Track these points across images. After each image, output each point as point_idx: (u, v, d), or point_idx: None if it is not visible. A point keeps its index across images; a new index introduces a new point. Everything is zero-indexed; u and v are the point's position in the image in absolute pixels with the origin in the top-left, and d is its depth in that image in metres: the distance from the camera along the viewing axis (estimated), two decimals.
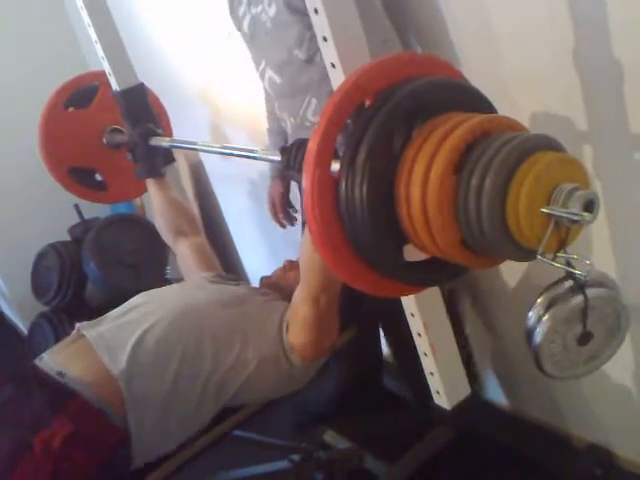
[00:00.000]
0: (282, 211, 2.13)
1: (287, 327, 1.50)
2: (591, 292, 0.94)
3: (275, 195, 2.12)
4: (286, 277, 1.77)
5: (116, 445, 1.37)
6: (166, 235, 1.94)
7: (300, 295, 1.44)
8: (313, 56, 1.65)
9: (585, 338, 0.99)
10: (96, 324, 1.51)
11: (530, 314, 0.96)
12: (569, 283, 0.93)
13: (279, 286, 1.74)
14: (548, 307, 0.94)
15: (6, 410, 1.35)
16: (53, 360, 1.44)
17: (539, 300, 0.96)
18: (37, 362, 1.45)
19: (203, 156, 3.17)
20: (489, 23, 1.50)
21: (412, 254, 1.05)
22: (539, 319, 0.95)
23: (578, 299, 0.94)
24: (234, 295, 1.61)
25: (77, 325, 1.52)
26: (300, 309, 1.45)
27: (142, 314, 1.50)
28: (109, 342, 1.43)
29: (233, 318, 1.52)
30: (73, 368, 1.40)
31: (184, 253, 1.87)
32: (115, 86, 1.98)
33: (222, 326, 1.49)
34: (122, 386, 1.37)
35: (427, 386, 1.61)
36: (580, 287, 0.92)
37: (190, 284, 1.73)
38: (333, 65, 1.14)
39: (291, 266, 1.80)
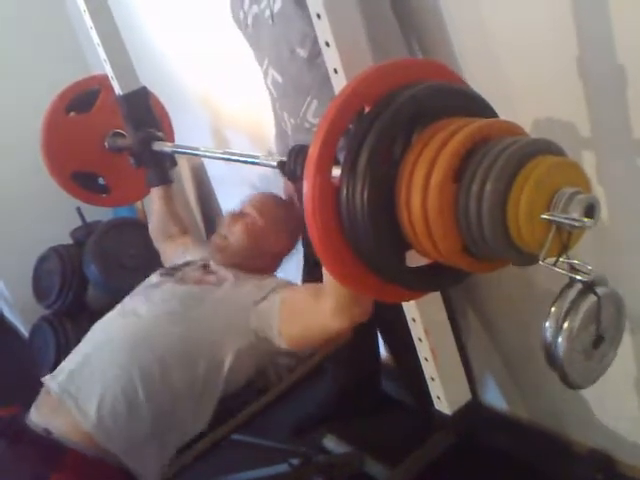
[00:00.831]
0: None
1: (280, 316, 1.43)
2: (599, 291, 0.93)
3: (291, 192, 2.12)
4: (233, 234, 1.68)
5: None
6: (155, 237, 1.97)
7: (330, 307, 1.30)
8: (315, 56, 1.64)
9: (598, 340, 0.98)
10: (56, 375, 1.46)
11: (547, 325, 0.95)
12: (578, 287, 0.92)
13: (230, 250, 1.66)
14: (565, 315, 0.93)
15: (4, 467, 1.34)
16: (39, 416, 1.41)
17: (553, 310, 0.94)
18: (28, 416, 1.42)
19: (205, 160, 3.17)
20: (491, 30, 1.50)
21: (414, 259, 1.05)
22: (558, 330, 0.94)
23: (590, 300, 0.92)
24: (183, 300, 1.54)
25: (42, 380, 1.47)
26: (330, 322, 1.32)
27: (99, 361, 1.44)
28: (74, 396, 1.39)
29: (188, 328, 1.47)
30: (56, 423, 1.37)
31: (167, 251, 1.91)
32: (117, 90, 1.98)
33: (178, 341, 1.44)
34: (100, 440, 1.34)
35: (428, 391, 1.61)
36: (589, 287, 0.91)
37: (136, 300, 1.62)
38: (335, 71, 1.14)
39: (233, 218, 1.72)
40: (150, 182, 1.95)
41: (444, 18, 1.59)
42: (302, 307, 1.43)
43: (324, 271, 1.28)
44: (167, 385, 1.40)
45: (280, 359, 1.56)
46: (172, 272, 1.68)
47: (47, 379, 1.46)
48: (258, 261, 1.68)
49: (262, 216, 1.69)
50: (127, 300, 1.66)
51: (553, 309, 0.94)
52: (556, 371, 0.96)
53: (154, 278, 1.68)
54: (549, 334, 0.95)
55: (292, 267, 1.83)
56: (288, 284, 1.56)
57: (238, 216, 1.71)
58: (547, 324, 0.95)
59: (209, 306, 1.52)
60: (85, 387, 1.39)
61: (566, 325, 0.93)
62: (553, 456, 1.94)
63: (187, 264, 1.72)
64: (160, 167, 1.94)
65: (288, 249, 1.77)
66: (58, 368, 1.48)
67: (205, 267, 1.68)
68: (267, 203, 1.74)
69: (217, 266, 1.67)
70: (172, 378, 1.40)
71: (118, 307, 1.63)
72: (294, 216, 1.73)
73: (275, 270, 1.75)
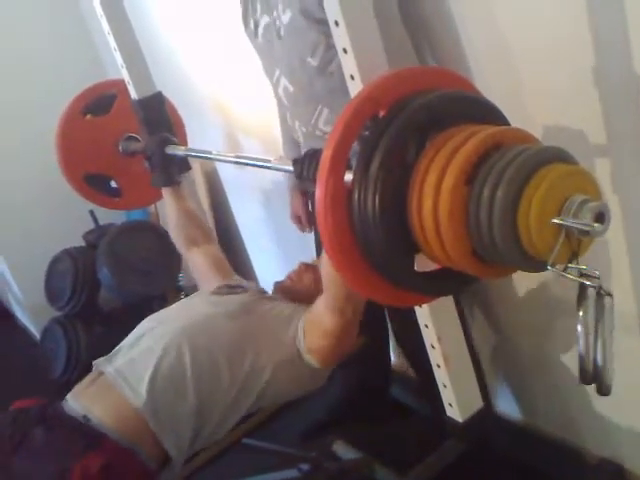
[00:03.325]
0: (309, 224, 2.14)
1: (304, 331, 1.50)
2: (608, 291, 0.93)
3: (299, 209, 2.13)
4: (301, 280, 1.75)
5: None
6: (180, 244, 1.95)
7: (324, 305, 1.42)
8: (326, 65, 1.66)
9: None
10: (111, 358, 1.52)
11: (579, 338, 0.94)
12: (592, 292, 0.92)
13: (294, 290, 1.73)
14: (596, 325, 0.92)
15: (42, 451, 1.36)
16: (77, 403, 1.45)
17: (580, 323, 0.93)
18: (63, 404, 1.46)
19: (217, 164, 3.18)
20: (504, 38, 1.50)
21: (423, 264, 1.05)
22: (594, 340, 0.93)
23: (607, 304, 0.92)
24: (240, 304, 1.61)
25: (94, 363, 1.53)
26: (325, 318, 1.43)
27: (152, 342, 1.51)
28: (127, 376, 1.44)
29: (240, 329, 1.53)
30: (97, 410, 1.41)
31: (197, 262, 1.89)
32: (134, 94, 1.99)
33: (231, 338, 1.50)
34: (147, 418, 1.39)
35: (440, 398, 1.61)
36: (601, 291, 0.91)
37: (194, 301, 1.73)
38: (352, 77, 1.14)
39: (307, 268, 1.78)
40: (155, 183, 1.96)
41: (457, 26, 1.60)
42: (314, 314, 1.50)
43: (322, 267, 1.36)
44: (213, 375, 1.45)
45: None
46: (230, 290, 1.73)
47: (101, 362, 1.51)
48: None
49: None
50: (185, 300, 1.77)
51: (580, 320, 0.93)
52: (591, 383, 0.95)
53: (211, 290, 1.74)
54: (583, 347, 0.94)
55: (296, 260, 1.84)
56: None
57: (310, 267, 1.77)
58: (578, 337, 0.94)
59: (263, 315, 1.58)
60: (140, 367, 1.45)
61: (600, 334, 0.93)
62: (565, 465, 1.94)
63: (243, 286, 1.78)
64: (167, 170, 1.95)
65: None
66: (112, 353, 1.54)
67: (262, 293, 1.76)
68: None
69: (274, 295, 1.75)
70: (217, 371, 1.45)
71: (174, 305, 1.73)
72: None
73: None
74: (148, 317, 1.65)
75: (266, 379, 1.48)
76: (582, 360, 0.94)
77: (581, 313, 0.93)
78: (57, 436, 1.39)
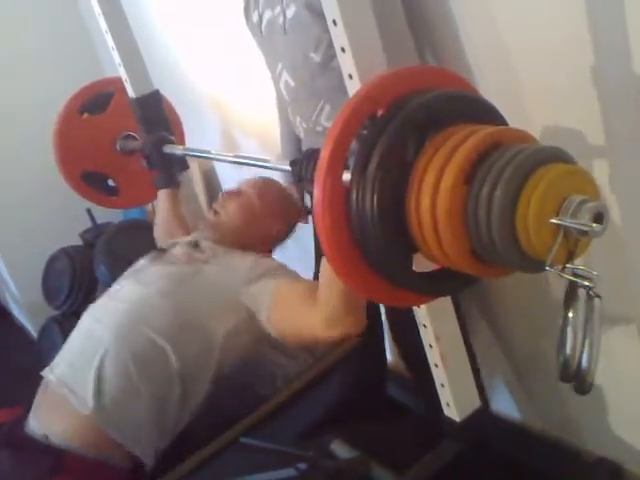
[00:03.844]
0: (304, 215, 2.15)
1: (271, 305, 1.42)
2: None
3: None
4: (227, 212, 1.69)
5: None
6: (159, 237, 1.98)
7: (323, 315, 1.31)
8: (329, 61, 1.65)
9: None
10: (54, 366, 1.48)
11: (566, 338, 0.94)
12: (582, 293, 0.91)
13: (222, 228, 1.66)
14: (585, 327, 0.92)
15: (7, 475, 1.35)
16: (36, 421, 1.42)
17: (570, 320, 0.93)
18: (27, 423, 1.43)
19: (215, 163, 3.18)
20: (503, 38, 1.50)
21: (421, 264, 1.05)
22: (581, 342, 0.93)
23: (597, 305, 0.92)
24: (171, 278, 1.53)
25: (42, 373, 1.49)
26: (319, 327, 1.32)
27: (90, 343, 1.46)
28: (70, 385, 1.40)
29: (177, 305, 1.46)
30: (54, 426, 1.38)
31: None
32: (131, 93, 1.99)
33: (169, 318, 1.44)
34: (101, 425, 1.35)
35: (437, 397, 1.61)
36: (591, 293, 0.91)
37: (125, 283, 1.63)
38: (350, 76, 1.14)
39: (229, 195, 1.72)
40: (157, 184, 1.96)
41: (457, 26, 1.59)
42: (296, 306, 1.40)
43: (320, 277, 1.29)
44: (160, 363, 1.40)
45: (280, 359, 1.54)
46: (160, 254, 1.67)
47: (46, 372, 1.48)
48: (250, 242, 1.66)
49: (259, 197, 1.69)
50: (115, 285, 1.66)
51: (570, 320, 0.93)
52: (571, 381, 0.95)
53: (142, 262, 1.67)
54: (569, 347, 0.94)
55: (294, 261, 1.83)
56: (285, 271, 1.55)
57: (234, 194, 1.71)
58: (566, 337, 0.94)
59: (198, 283, 1.51)
60: (81, 373, 1.40)
61: (588, 336, 0.92)
62: (562, 464, 1.93)
63: (175, 244, 1.71)
64: (168, 170, 1.95)
65: (282, 236, 1.77)
66: (55, 360, 1.50)
67: (195, 245, 1.67)
68: (265, 186, 1.74)
69: (208, 243, 1.66)
70: (164, 355, 1.40)
71: (106, 293, 1.64)
72: (291, 204, 1.73)
73: (268, 254, 1.73)
74: (84, 315, 1.59)
75: (220, 343, 1.42)
76: (565, 359, 0.94)
77: (571, 313, 0.93)
78: (22, 460, 1.37)
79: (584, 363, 0.93)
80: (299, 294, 1.41)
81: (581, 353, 0.93)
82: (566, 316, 0.93)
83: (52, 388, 1.44)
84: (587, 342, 0.92)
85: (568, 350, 0.94)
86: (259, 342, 1.49)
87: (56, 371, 1.45)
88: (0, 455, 1.38)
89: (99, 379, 1.37)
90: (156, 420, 1.40)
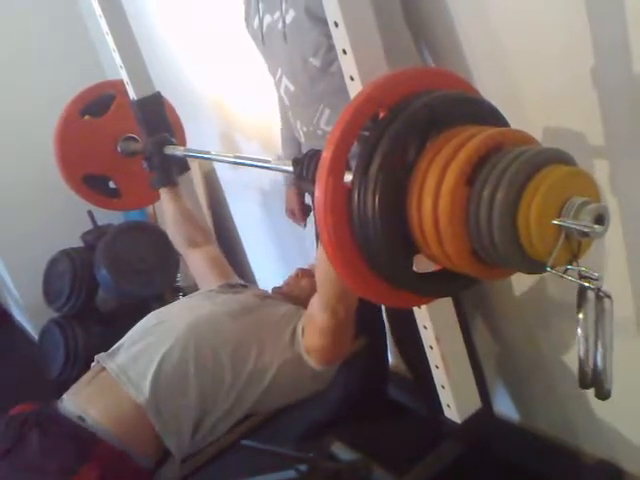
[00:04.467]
0: (303, 219, 2.15)
1: (303, 331, 1.50)
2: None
3: (293, 204, 2.14)
4: (299, 285, 1.77)
5: None
6: (179, 244, 1.95)
7: (317, 304, 1.43)
8: (328, 65, 1.66)
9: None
10: (114, 354, 1.51)
11: (578, 340, 0.93)
12: (591, 295, 0.92)
13: (292, 295, 1.74)
14: (596, 328, 0.92)
15: (34, 459, 1.34)
16: (73, 402, 1.44)
17: (580, 323, 0.93)
18: (59, 404, 1.45)
19: (216, 165, 3.19)
20: (503, 40, 1.51)
21: (422, 265, 1.05)
22: (594, 343, 0.93)
23: (607, 306, 0.91)
24: (241, 304, 1.61)
25: (96, 357, 1.52)
26: (317, 317, 1.44)
27: (155, 339, 1.50)
28: (130, 373, 1.44)
29: (242, 328, 1.53)
30: (93, 409, 1.40)
31: (197, 263, 1.89)
32: (132, 95, 2.00)
33: (234, 337, 1.50)
34: (150, 414, 1.38)
35: (437, 399, 1.61)
36: (600, 293, 0.91)
37: (197, 298, 1.72)
38: (352, 78, 1.15)
39: (303, 273, 1.80)
40: (154, 184, 1.96)
41: (456, 27, 1.60)
42: (308, 313, 1.50)
43: (316, 265, 1.36)
44: (215, 373, 1.44)
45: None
46: (232, 289, 1.73)
47: (102, 357, 1.50)
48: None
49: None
50: (185, 299, 1.75)
51: (580, 323, 0.93)
52: (590, 386, 0.95)
53: (212, 289, 1.74)
54: (583, 350, 0.94)
55: (295, 263, 1.84)
56: None
57: (307, 272, 1.79)
58: (578, 340, 0.93)
59: (265, 315, 1.58)
60: (143, 364, 1.44)
61: (600, 337, 0.92)
62: (562, 466, 1.94)
63: (243, 285, 1.79)
64: (167, 171, 1.95)
65: None
66: (112, 350, 1.53)
67: (263, 293, 1.75)
68: None
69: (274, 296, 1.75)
70: (220, 368, 1.45)
71: (176, 302, 1.73)
72: None
73: None
74: (150, 314, 1.64)
75: (269, 379, 1.47)
76: (582, 364, 0.94)
77: (581, 316, 0.92)
78: (50, 442, 1.37)
79: (599, 366, 0.93)
80: (309, 308, 1.50)
81: (595, 356, 0.93)
82: (577, 319, 0.93)
83: (106, 374, 1.47)
84: (600, 344, 0.92)
85: (581, 353, 0.93)
86: (302, 383, 1.55)
87: (117, 359, 1.48)
88: (29, 435, 1.38)
89: (158, 372, 1.42)
90: (195, 424, 1.43)
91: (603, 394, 0.95)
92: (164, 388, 1.41)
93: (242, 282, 1.81)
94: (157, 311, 1.66)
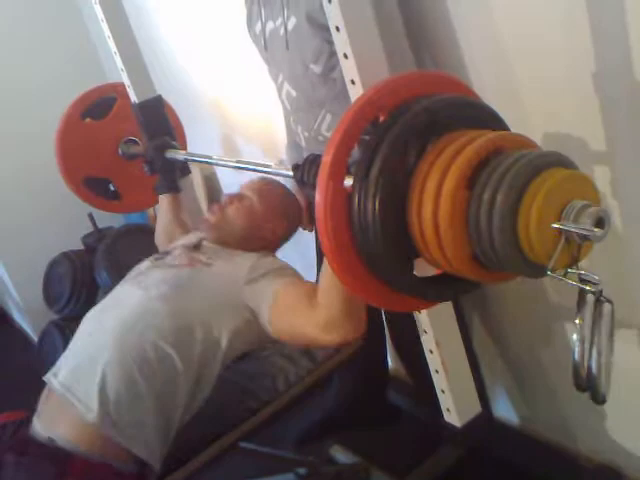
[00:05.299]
0: (310, 224, 2.15)
1: (273, 309, 1.41)
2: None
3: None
4: (227, 214, 1.68)
5: None
6: (160, 242, 1.96)
7: (324, 321, 1.30)
8: (329, 72, 1.67)
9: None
10: (57, 370, 1.47)
11: (574, 343, 0.93)
12: (590, 298, 0.92)
13: (224, 229, 1.66)
14: (592, 331, 0.92)
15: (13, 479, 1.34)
16: (40, 424, 1.41)
17: (577, 328, 0.93)
18: (30, 430, 1.42)
19: (217, 168, 3.19)
20: (503, 43, 1.51)
21: (423, 269, 1.05)
22: (590, 347, 0.93)
23: (606, 310, 0.92)
24: (171, 282, 1.52)
25: (44, 378, 1.48)
26: (320, 334, 1.32)
27: (93, 348, 1.45)
28: (74, 391, 1.39)
29: (179, 309, 1.45)
30: (58, 429, 1.37)
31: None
32: (133, 98, 2.00)
33: (172, 322, 1.43)
34: (105, 429, 1.34)
35: (437, 403, 1.61)
36: (600, 297, 0.91)
37: (125, 288, 1.62)
38: (353, 82, 1.15)
39: (230, 199, 1.71)
40: (158, 189, 1.96)
41: (456, 31, 1.60)
42: (295, 307, 1.40)
43: (320, 281, 1.29)
44: (164, 367, 1.39)
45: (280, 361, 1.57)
46: (162, 256, 1.66)
47: (49, 377, 1.46)
48: (252, 243, 1.65)
49: (260, 199, 1.68)
50: (117, 288, 1.64)
51: (577, 326, 0.93)
52: (585, 390, 0.95)
53: (144, 265, 1.66)
54: (578, 353, 0.93)
55: (293, 264, 1.83)
56: (287, 272, 1.53)
57: (235, 197, 1.71)
58: (574, 343, 0.93)
59: (200, 285, 1.50)
60: (85, 379, 1.39)
61: (596, 341, 0.92)
62: (562, 470, 1.93)
63: (176, 247, 1.70)
64: (170, 175, 1.95)
65: (285, 237, 1.76)
66: (56, 365, 1.49)
67: (197, 247, 1.66)
68: (267, 189, 1.73)
69: (209, 244, 1.66)
70: (168, 359, 1.39)
71: (108, 296, 1.63)
72: (294, 205, 1.73)
73: (271, 253, 1.71)
74: (84, 318, 1.58)
75: (224, 347, 1.42)
76: (576, 366, 0.94)
77: (578, 320, 0.92)
78: (28, 465, 1.36)
79: (594, 371, 0.93)
80: (299, 296, 1.40)
81: (590, 360, 0.93)
82: (575, 322, 0.93)
83: (55, 395, 1.42)
84: (595, 349, 0.92)
85: (576, 357, 0.93)
86: (262, 341, 1.50)
87: (59, 377, 1.44)
88: (4, 459, 1.37)
89: (103, 385, 1.36)
90: (161, 423, 1.39)
91: (599, 399, 0.96)
92: (114, 400, 1.36)
93: (172, 247, 1.72)
94: (90, 314, 1.59)
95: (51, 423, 1.40)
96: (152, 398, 1.37)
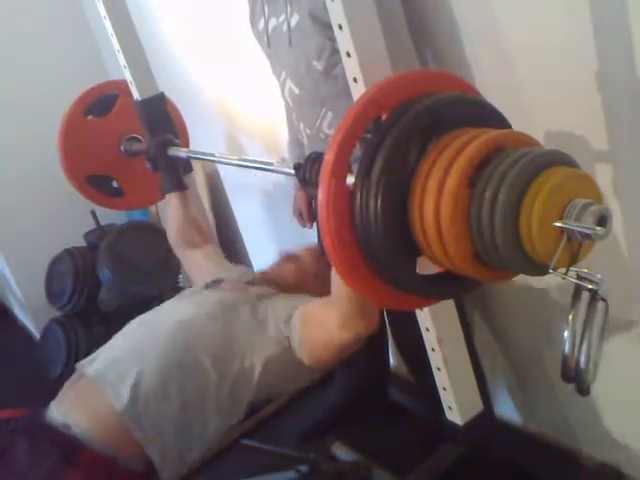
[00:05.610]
0: (310, 220, 2.16)
1: (300, 328, 1.46)
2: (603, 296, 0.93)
3: (301, 206, 2.14)
4: (284, 270, 1.75)
5: None
6: (178, 248, 1.95)
7: (336, 321, 1.34)
8: (331, 69, 1.67)
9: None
10: (93, 360, 1.49)
11: (565, 338, 0.94)
12: (586, 295, 0.92)
13: (277, 281, 1.71)
14: (584, 326, 0.93)
15: (22, 466, 1.34)
16: (58, 410, 1.43)
17: (570, 322, 0.93)
18: (46, 412, 1.44)
19: (219, 166, 3.19)
20: (506, 42, 1.51)
21: (425, 267, 1.05)
22: (579, 342, 0.93)
23: (600, 308, 0.92)
24: (221, 304, 1.57)
25: (76, 365, 1.51)
26: (335, 333, 1.35)
27: (137, 345, 1.49)
28: (108, 378, 1.42)
29: (223, 330, 1.50)
30: (76, 416, 1.39)
31: (192, 261, 1.89)
32: (136, 95, 2.00)
33: (215, 339, 1.47)
34: (128, 421, 1.36)
35: (439, 400, 1.61)
36: (596, 295, 0.91)
37: (181, 301, 1.69)
38: (355, 80, 1.15)
39: (287, 259, 1.79)
40: (164, 188, 1.96)
41: (459, 29, 1.60)
42: (314, 317, 1.46)
43: (332, 282, 1.29)
44: (200, 379, 1.42)
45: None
46: (217, 283, 1.72)
47: (83, 364, 1.49)
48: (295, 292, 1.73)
49: (314, 264, 1.75)
50: (167, 302, 1.72)
51: (570, 321, 0.94)
52: (571, 381, 0.96)
53: (198, 288, 1.72)
54: (568, 347, 0.94)
55: None
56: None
57: (291, 258, 1.79)
58: (565, 336, 0.94)
59: (247, 312, 1.55)
60: (122, 371, 1.42)
61: (587, 336, 0.93)
62: (563, 469, 1.93)
63: (231, 278, 1.77)
64: (174, 173, 1.95)
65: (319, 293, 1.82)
66: (92, 355, 1.52)
67: (249, 282, 1.73)
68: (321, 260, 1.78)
69: (261, 283, 1.73)
70: (203, 372, 1.43)
71: (157, 308, 1.68)
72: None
73: None
74: (133, 321, 1.62)
75: (258, 374, 1.45)
76: (566, 359, 0.95)
77: (571, 316, 0.93)
78: (38, 449, 1.36)
79: (582, 364, 0.93)
80: (316, 307, 1.46)
81: (579, 354, 0.93)
82: (568, 317, 0.94)
83: (86, 381, 1.45)
84: (585, 344, 0.93)
85: (567, 350, 0.94)
86: (292, 374, 1.53)
87: (95, 364, 1.47)
88: (17, 441, 1.38)
89: (138, 379, 1.39)
90: (182, 432, 1.41)
91: (583, 390, 0.96)
92: (144, 394, 1.38)
93: (224, 276, 1.77)
94: (140, 317, 1.63)
95: (71, 409, 1.41)
96: (180, 403, 1.40)
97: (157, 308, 1.69)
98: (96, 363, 1.47)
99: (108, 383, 1.41)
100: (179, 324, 1.51)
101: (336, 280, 1.27)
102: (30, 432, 1.40)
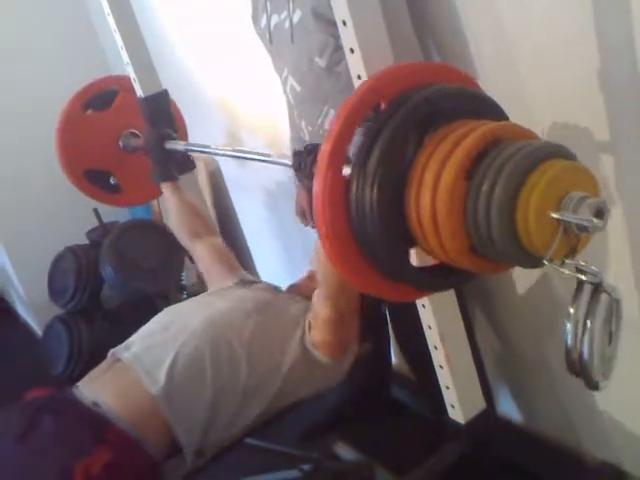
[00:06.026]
0: (312, 219, 2.15)
1: (309, 327, 1.53)
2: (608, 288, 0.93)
3: (304, 203, 2.14)
4: (310, 286, 1.76)
5: (149, 472, 1.40)
6: (182, 237, 1.96)
7: (319, 297, 1.46)
8: (334, 66, 1.66)
9: (609, 337, 0.98)
10: (129, 346, 1.54)
11: (567, 330, 0.94)
12: (588, 288, 0.92)
13: (306, 294, 1.74)
14: (585, 318, 0.93)
15: (48, 442, 1.36)
16: (88, 388, 1.46)
17: (571, 314, 0.93)
18: (74, 390, 1.47)
19: (221, 164, 3.19)
20: (509, 36, 1.50)
21: (420, 259, 1.05)
22: (581, 333, 0.93)
23: (603, 300, 0.92)
24: (256, 302, 1.63)
25: (111, 350, 1.55)
26: (320, 311, 1.47)
27: (172, 332, 1.53)
28: (144, 362, 1.46)
29: (257, 326, 1.54)
30: (108, 395, 1.42)
31: (202, 254, 1.90)
32: (139, 92, 2.00)
33: (249, 333, 1.52)
34: (162, 404, 1.40)
35: (441, 399, 1.61)
36: (599, 287, 0.91)
37: (213, 295, 1.75)
38: (359, 76, 1.14)
39: (313, 275, 1.81)
40: (154, 179, 1.97)
41: (462, 23, 1.59)
42: (312, 308, 1.53)
43: (315, 261, 1.39)
44: (231, 367, 1.46)
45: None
46: (249, 283, 1.76)
47: (119, 349, 1.53)
48: None
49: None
50: (200, 296, 1.77)
51: (571, 313, 0.93)
52: (579, 375, 0.96)
53: (228, 284, 1.76)
54: (570, 338, 0.94)
55: (298, 260, 1.85)
56: None
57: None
58: (567, 328, 0.94)
59: (277, 313, 1.61)
60: (158, 356, 1.47)
61: (588, 327, 0.93)
62: (565, 468, 1.93)
63: (257, 282, 1.81)
64: (165, 165, 1.96)
65: None
66: (127, 342, 1.56)
67: (276, 288, 1.79)
68: None
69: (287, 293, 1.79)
70: (236, 363, 1.47)
71: (191, 299, 1.75)
72: None
73: None
74: (164, 310, 1.67)
75: (283, 375, 1.49)
76: (569, 351, 0.95)
77: (572, 309, 0.93)
78: (65, 425, 1.39)
79: (585, 356, 0.93)
80: (313, 303, 1.53)
81: (581, 345, 0.93)
82: (569, 309, 0.94)
83: (121, 364, 1.49)
84: (587, 335, 0.92)
85: (569, 342, 0.94)
86: (314, 378, 1.57)
87: (132, 349, 1.51)
88: (42, 418, 1.39)
89: (174, 363, 1.44)
90: (208, 420, 1.44)
91: (591, 384, 0.96)
92: (179, 378, 1.43)
93: (257, 280, 1.83)
94: (171, 307, 1.69)
95: (104, 388, 1.45)
96: (211, 390, 1.43)
97: (187, 301, 1.75)
98: (132, 348, 1.52)
99: (144, 367, 1.45)
100: (213, 314, 1.56)
101: (319, 256, 1.35)
102: (56, 410, 1.42)
